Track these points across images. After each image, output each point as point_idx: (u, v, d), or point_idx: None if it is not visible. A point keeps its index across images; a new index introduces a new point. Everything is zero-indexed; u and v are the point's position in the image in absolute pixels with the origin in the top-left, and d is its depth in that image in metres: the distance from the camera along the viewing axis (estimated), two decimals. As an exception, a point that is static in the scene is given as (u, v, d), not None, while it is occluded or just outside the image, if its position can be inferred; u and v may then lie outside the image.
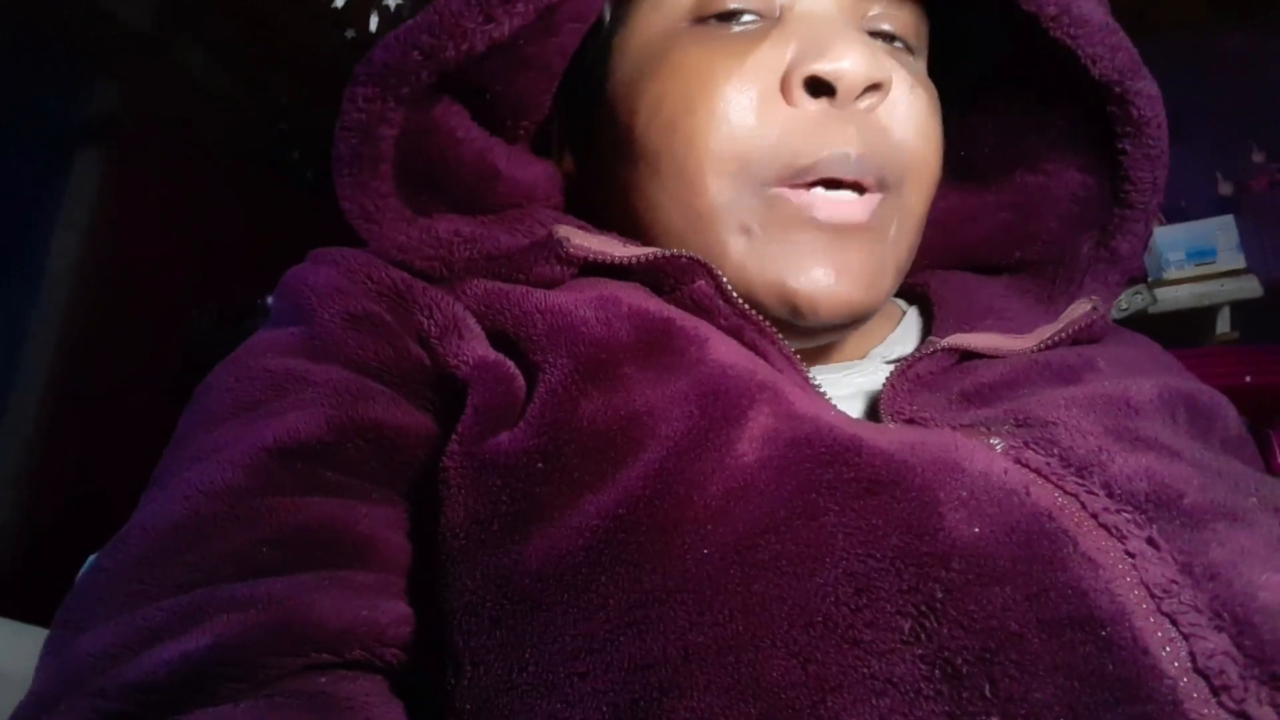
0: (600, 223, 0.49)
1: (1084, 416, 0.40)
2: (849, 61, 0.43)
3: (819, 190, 0.44)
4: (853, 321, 0.46)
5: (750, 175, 0.44)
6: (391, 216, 0.44)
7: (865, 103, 0.44)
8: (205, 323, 1.84)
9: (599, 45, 0.51)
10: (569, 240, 0.44)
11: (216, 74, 2.00)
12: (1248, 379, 1.27)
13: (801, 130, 0.44)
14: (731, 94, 0.44)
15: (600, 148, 0.51)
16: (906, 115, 0.46)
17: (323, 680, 0.34)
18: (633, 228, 0.49)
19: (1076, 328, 0.48)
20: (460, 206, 0.47)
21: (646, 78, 0.47)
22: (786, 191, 0.44)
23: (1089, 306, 0.50)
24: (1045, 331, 0.48)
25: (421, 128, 0.44)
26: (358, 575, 0.37)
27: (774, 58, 0.44)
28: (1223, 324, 1.61)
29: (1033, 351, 0.47)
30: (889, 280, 0.47)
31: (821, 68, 0.43)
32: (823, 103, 0.44)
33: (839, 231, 0.44)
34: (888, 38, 0.48)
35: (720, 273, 0.44)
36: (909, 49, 0.49)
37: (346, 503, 0.38)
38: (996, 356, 0.46)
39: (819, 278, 0.43)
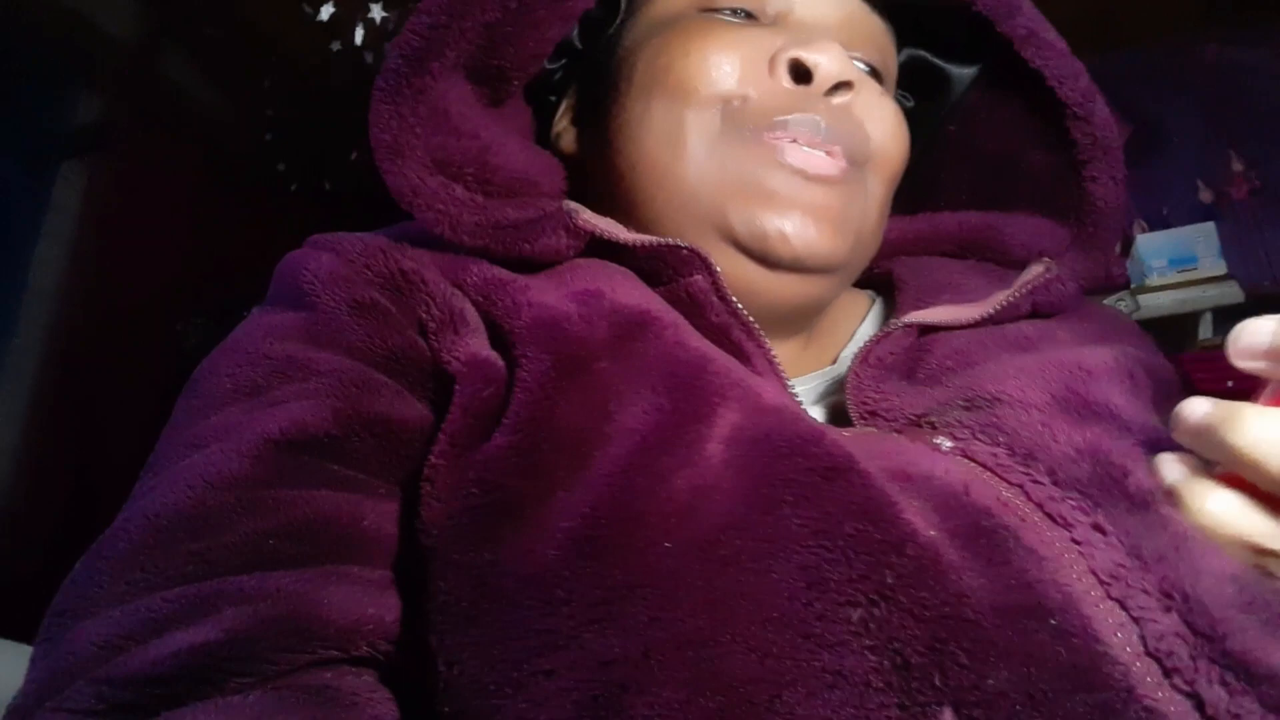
0: (596, 210, 0.50)
1: (1032, 385, 0.41)
2: (827, 57, 0.47)
3: (794, 142, 0.46)
4: (819, 268, 0.47)
5: (729, 118, 0.47)
6: (416, 161, 0.45)
7: (837, 99, 0.48)
8: (194, 336, 1.83)
9: (612, 35, 0.54)
10: (578, 213, 0.45)
11: (202, 85, 1.99)
12: (1229, 384, 1.28)
13: (780, 96, 0.47)
14: (724, 54, 0.48)
15: (600, 109, 0.52)
16: (877, 115, 0.50)
17: (328, 675, 0.34)
18: (622, 191, 0.50)
19: (1031, 287, 0.50)
20: (468, 175, 0.48)
21: (652, 37, 0.50)
22: (763, 135, 0.46)
23: (1041, 268, 0.51)
24: (1000, 296, 0.50)
25: (450, 82, 0.46)
26: (364, 570, 0.37)
27: (766, 39, 0.48)
28: (1205, 330, 1.62)
29: (990, 318, 0.48)
30: (850, 244, 0.48)
31: (804, 54, 0.47)
32: (801, 87, 0.47)
33: (809, 179, 0.46)
34: (861, 63, 0.53)
35: (718, 268, 0.45)
36: (878, 77, 0.53)
37: (352, 497, 0.38)
38: (956, 328, 0.48)
39: (793, 216, 0.45)
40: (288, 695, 0.32)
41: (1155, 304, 1.61)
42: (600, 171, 0.52)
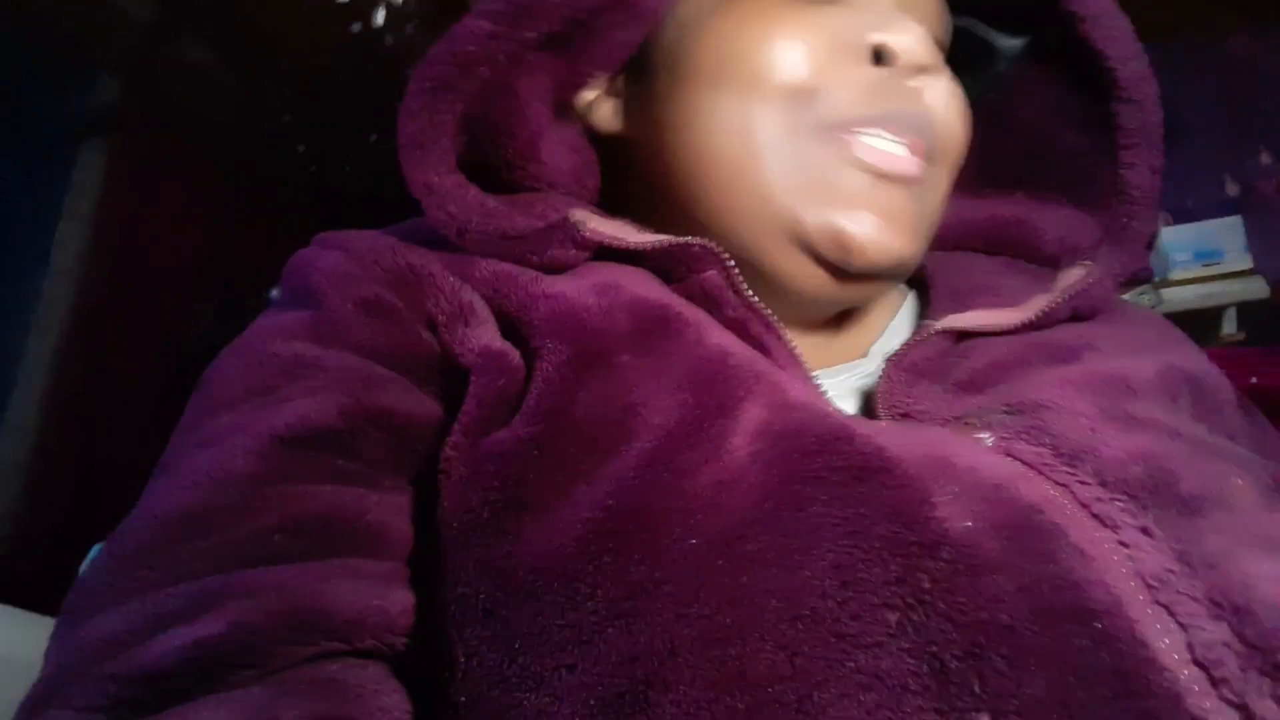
0: (625, 203, 0.49)
1: (1078, 397, 0.40)
2: (912, 38, 0.45)
3: (871, 140, 0.45)
4: (890, 274, 0.46)
5: (805, 110, 0.44)
6: (436, 159, 0.44)
7: (916, 81, 0.46)
8: (204, 322, 1.84)
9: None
10: (584, 224, 0.44)
11: (220, 68, 2.00)
12: (1253, 380, 1.26)
13: (864, 85, 0.45)
14: (801, 38, 0.45)
15: (653, 91, 0.50)
16: (949, 101, 0.47)
17: (333, 668, 0.34)
18: (676, 183, 0.48)
19: (1072, 293, 0.48)
20: (488, 173, 0.47)
21: (718, 15, 0.47)
22: (839, 134, 0.44)
23: (1083, 272, 0.50)
24: (1040, 301, 0.48)
25: (503, 86, 0.45)
26: (369, 564, 0.37)
27: (843, 22, 0.46)
28: (1228, 325, 1.60)
29: (1030, 324, 0.47)
30: (922, 243, 0.47)
31: (888, 38, 0.45)
32: (880, 71, 0.45)
33: (888, 180, 0.44)
34: None
35: (732, 263, 0.44)
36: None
37: (358, 491, 0.38)
38: (994, 334, 0.47)
39: (868, 221, 0.44)
40: (291, 687, 0.32)
41: (1178, 298, 1.59)
42: (647, 158, 0.50)
